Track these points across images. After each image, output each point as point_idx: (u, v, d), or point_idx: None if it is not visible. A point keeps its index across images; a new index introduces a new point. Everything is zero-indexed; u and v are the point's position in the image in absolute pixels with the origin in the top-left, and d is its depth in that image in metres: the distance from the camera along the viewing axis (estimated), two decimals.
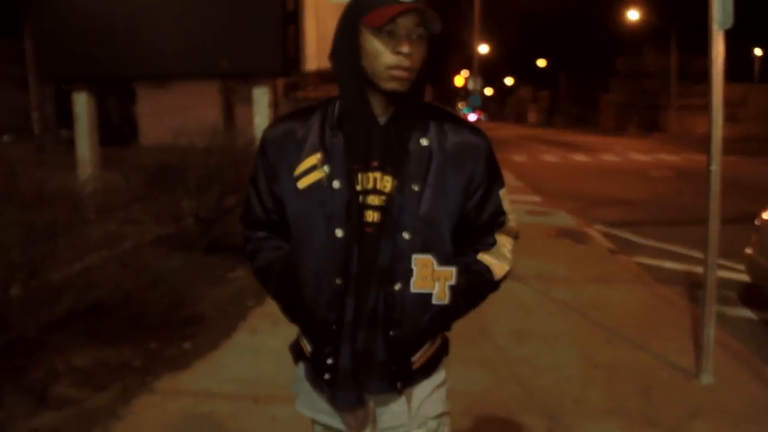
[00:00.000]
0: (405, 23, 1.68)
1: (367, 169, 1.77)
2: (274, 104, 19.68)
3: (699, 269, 7.03)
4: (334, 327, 1.77)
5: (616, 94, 60.72)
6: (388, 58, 1.70)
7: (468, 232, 1.87)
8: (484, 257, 1.90)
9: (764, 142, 39.84)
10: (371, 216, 1.76)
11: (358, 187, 1.76)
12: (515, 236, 1.97)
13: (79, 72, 8.97)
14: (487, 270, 1.89)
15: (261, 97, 9.30)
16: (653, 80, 52.61)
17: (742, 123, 47.48)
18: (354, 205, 1.75)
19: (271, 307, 5.71)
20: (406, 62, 1.70)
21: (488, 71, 61.78)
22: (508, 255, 1.94)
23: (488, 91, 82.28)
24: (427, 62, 1.77)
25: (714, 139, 4.33)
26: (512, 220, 1.94)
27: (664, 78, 48.41)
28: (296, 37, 9.36)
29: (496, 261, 1.91)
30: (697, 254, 7.84)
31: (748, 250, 6.42)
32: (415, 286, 1.77)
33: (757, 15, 39.65)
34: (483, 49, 44.06)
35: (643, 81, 54.62)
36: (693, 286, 6.83)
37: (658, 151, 31.20)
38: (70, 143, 9.62)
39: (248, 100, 18.38)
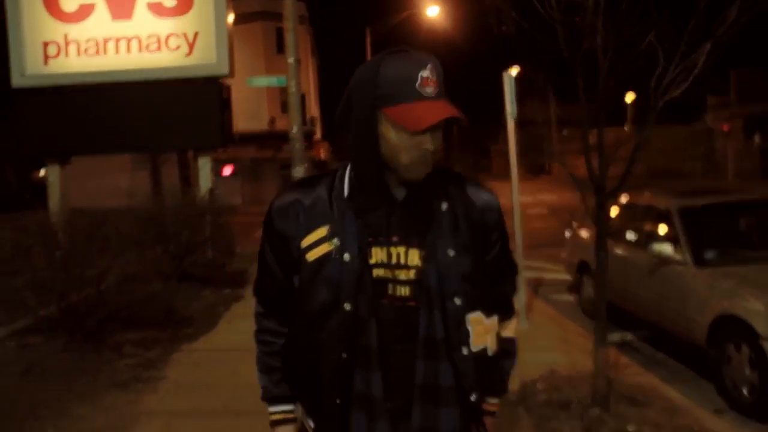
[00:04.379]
0: None
1: (387, 243, 1.74)
2: (188, 165, 21.88)
3: (544, 274, 10.19)
4: (338, 401, 1.75)
5: (505, 143, 65.40)
6: (412, 154, 1.67)
7: (491, 281, 1.88)
8: (504, 332, 1.98)
9: (637, 177, 44.68)
10: (400, 290, 1.75)
11: (372, 260, 1.74)
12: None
13: (63, 148, 11.36)
14: (508, 341, 2.01)
15: (205, 165, 11.84)
16: (537, 128, 57.32)
17: (614, 162, 52.58)
18: (367, 279, 1.72)
19: (238, 309, 8.24)
20: (429, 158, 1.68)
21: None
22: (516, 307, 2.07)
23: None
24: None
25: (513, 182, 7.21)
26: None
27: (546, 125, 52.98)
28: (230, 116, 12.01)
29: (511, 325, 2.04)
30: (545, 265, 10.88)
31: (563, 254, 9.37)
32: (474, 344, 1.78)
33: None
34: None
35: (528, 129, 59.34)
36: (533, 283, 9.71)
37: (541, 192, 34.94)
38: None
39: (166, 163, 20.44)
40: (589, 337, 7.08)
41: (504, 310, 1.97)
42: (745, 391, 5.09)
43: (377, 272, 1.74)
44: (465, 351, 1.75)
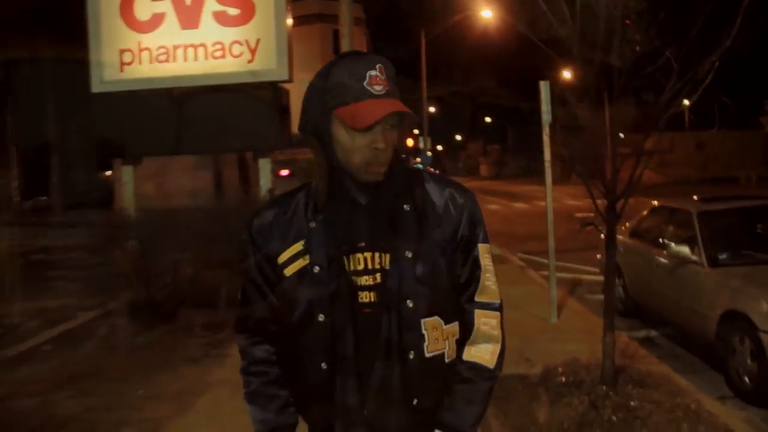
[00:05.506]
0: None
1: (355, 250, 1.75)
2: (247, 166, 22.71)
3: (582, 276, 10.77)
4: (325, 411, 1.79)
5: (559, 146, 65.28)
6: (364, 154, 1.67)
7: (459, 281, 1.84)
8: (469, 354, 1.84)
9: (686, 184, 44.41)
10: (366, 297, 1.75)
11: (350, 269, 1.75)
12: (499, 307, 1.90)
13: (138, 150, 12.37)
14: (473, 368, 1.82)
15: (265, 165, 12.66)
16: (590, 131, 57.14)
17: (670, 167, 52.33)
18: (343, 288, 1.74)
19: None
20: (382, 157, 1.69)
21: (437, 127, 64.76)
22: (494, 332, 1.86)
23: (440, 147, 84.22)
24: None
25: (547, 185, 7.85)
26: (489, 279, 1.88)
27: (600, 129, 52.65)
28: (288, 119, 12.86)
29: (483, 349, 1.84)
30: (583, 267, 11.46)
31: (598, 255, 9.94)
32: (429, 350, 1.75)
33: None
34: (431, 109, 46.38)
35: (581, 132, 59.16)
36: (570, 283, 10.31)
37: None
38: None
39: (226, 164, 21.37)
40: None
41: (467, 327, 1.86)
42: (746, 380, 5.66)
43: (354, 280, 1.76)
44: (412, 355, 1.74)
